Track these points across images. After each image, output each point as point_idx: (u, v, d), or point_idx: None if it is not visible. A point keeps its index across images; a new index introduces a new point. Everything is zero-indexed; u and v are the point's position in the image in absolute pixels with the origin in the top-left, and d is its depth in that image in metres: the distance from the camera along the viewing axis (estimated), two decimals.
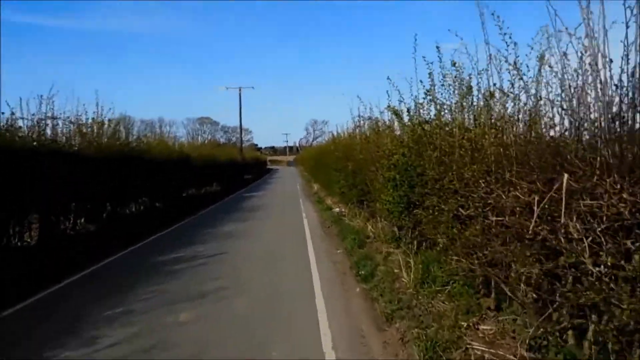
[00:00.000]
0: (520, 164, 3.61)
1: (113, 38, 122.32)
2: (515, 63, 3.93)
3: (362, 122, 11.31)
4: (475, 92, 5.01)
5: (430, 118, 6.11)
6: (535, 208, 3.18)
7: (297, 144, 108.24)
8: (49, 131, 9.66)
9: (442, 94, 5.70)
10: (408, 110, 7.12)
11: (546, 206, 3.14)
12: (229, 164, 30.50)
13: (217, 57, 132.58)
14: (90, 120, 11.07)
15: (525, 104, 4.02)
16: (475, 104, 5.17)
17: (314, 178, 29.89)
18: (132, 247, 9.29)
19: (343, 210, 15.01)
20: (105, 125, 11.64)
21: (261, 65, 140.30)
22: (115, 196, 11.91)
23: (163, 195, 16.34)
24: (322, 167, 21.04)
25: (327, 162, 17.87)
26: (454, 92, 5.40)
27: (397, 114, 6.97)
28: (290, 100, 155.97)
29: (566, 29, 3.28)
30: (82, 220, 10.56)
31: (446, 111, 5.73)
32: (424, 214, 5.58)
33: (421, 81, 5.93)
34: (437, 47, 5.56)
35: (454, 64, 5.15)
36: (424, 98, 6.07)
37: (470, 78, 4.98)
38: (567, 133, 3.49)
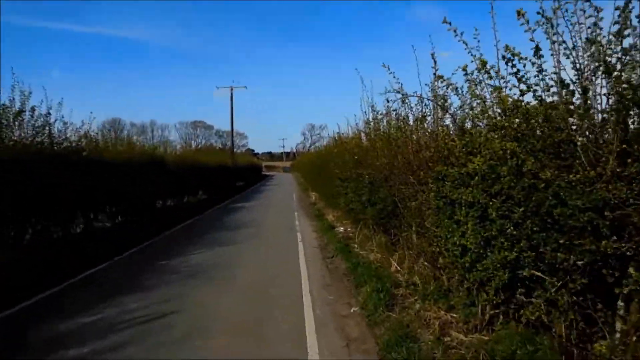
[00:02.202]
0: None
1: (105, 42, 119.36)
2: None
3: (378, 116, 8.17)
4: None
5: None
6: None
7: (294, 150, 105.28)
8: None
9: None
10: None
11: None
12: (218, 170, 27.24)
13: (213, 60, 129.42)
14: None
15: None
16: None
17: (311, 187, 26.74)
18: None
19: (349, 230, 11.85)
20: (27, 114, 8.47)
21: (258, 69, 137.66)
22: (40, 212, 8.69)
23: (124, 209, 13.15)
24: (322, 174, 17.88)
25: (328, 170, 14.73)
26: None
27: (485, 67, 3.78)
28: (287, 104, 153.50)
29: None
30: None
31: None
32: None
33: None
34: None
35: None
36: None
37: None
38: None
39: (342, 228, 12.17)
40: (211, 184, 24.92)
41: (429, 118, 5.47)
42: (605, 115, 3.22)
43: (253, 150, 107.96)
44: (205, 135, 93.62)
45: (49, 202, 8.65)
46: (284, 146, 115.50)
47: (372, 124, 8.69)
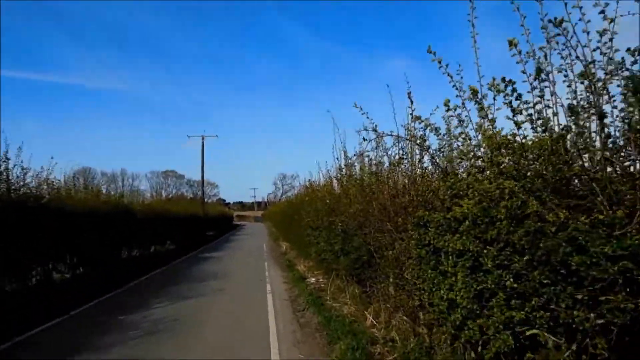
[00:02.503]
0: None
1: (75, 92, 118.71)
2: None
3: (349, 161, 8.18)
4: None
5: None
6: None
7: (265, 199, 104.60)
8: None
9: None
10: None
11: None
12: (188, 220, 26.56)
13: (182, 110, 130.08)
14: None
15: None
16: None
17: (283, 236, 26.30)
18: None
19: (321, 280, 11.50)
20: None
21: (228, 119, 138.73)
22: None
23: (86, 259, 12.43)
24: (292, 224, 17.63)
25: (299, 218, 14.54)
26: None
27: (476, 96, 3.63)
28: (259, 153, 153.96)
29: None
30: None
31: None
32: None
33: None
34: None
35: None
36: None
37: None
38: None
39: (313, 279, 11.81)
40: (180, 233, 24.18)
41: (405, 161, 5.45)
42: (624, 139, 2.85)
43: (224, 200, 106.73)
44: (177, 184, 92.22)
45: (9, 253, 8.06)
46: (255, 196, 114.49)
47: (344, 170, 8.67)
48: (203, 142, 39.80)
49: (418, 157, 5.16)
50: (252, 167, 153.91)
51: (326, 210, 9.12)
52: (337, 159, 9.15)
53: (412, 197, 5.00)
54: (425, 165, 5.09)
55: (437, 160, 4.59)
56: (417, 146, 4.90)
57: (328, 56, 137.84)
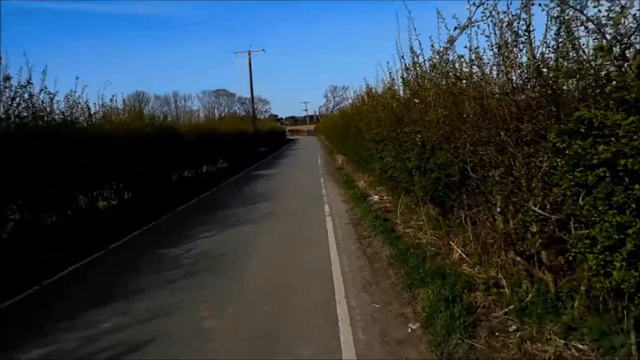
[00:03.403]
0: None
1: (122, 20, 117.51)
2: None
3: (440, 51, 6.09)
4: None
5: None
6: None
7: (317, 113, 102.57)
8: None
9: None
10: None
11: None
12: (238, 137, 25.64)
13: (230, 27, 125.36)
14: None
15: None
16: None
17: (337, 149, 24.92)
18: None
19: (386, 198, 10.10)
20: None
21: (277, 33, 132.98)
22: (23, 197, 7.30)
23: (135, 183, 11.77)
24: (348, 135, 16.00)
25: (355, 130, 12.83)
26: None
27: None
28: (309, 66, 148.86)
29: None
30: None
31: None
32: None
33: None
34: None
35: None
36: None
37: None
38: None
39: (376, 197, 10.43)
40: (231, 152, 23.44)
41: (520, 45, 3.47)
42: None
43: (277, 116, 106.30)
44: (228, 103, 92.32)
45: (33, 184, 7.22)
46: (307, 110, 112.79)
47: (413, 70, 6.64)
48: (250, 58, 37.77)
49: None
50: (303, 81, 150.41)
51: (392, 119, 7.33)
52: (402, 57, 7.08)
53: (539, 94, 3.13)
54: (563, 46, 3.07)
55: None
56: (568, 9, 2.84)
57: None
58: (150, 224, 9.01)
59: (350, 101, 17.28)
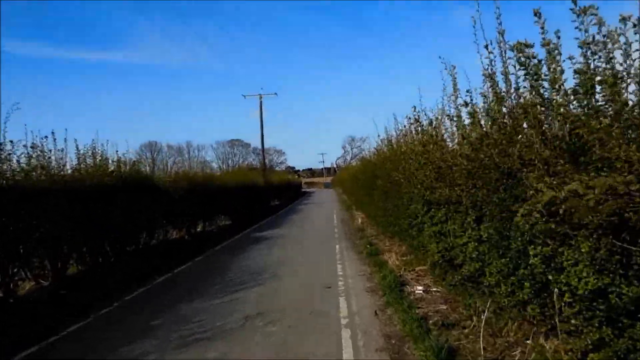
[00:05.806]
0: None
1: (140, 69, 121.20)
2: None
3: None
4: None
5: None
6: None
7: (335, 165, 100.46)
8: None
9: None
10: None
11: None
12: (245, 190, 22.57)
13: (248, 76, 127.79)
14: None
15: None
16: None
17: (356, 205, 21.58)
18: None
19: (433, 290, 6.57)
20: None
21: (294, 84, 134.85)
22: None
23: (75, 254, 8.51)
24: (372, 190, 12.71)
25: (387, 184, 9.52)
26: None
27: None
28: (325, 118, 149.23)
29: None
30: None
31: None
32: None
33: None
34: None
35: None
36: None
37: None
38: None
39: (419, 287, 6.83)
40: (235, 206, 20.27)
41: None
42: None
43: (293, 167, 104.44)
44: (243, 154, 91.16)
45: None
46: (323, 161, 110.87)
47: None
48: (261, 101, 35.68)
49: None
50: (320, 132, 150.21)
51: (455, 174, 4.02)
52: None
53: None
54: None
55: None
56: None
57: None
58: (77, 325, 5.57)
59: (375, 145, 14.00)
